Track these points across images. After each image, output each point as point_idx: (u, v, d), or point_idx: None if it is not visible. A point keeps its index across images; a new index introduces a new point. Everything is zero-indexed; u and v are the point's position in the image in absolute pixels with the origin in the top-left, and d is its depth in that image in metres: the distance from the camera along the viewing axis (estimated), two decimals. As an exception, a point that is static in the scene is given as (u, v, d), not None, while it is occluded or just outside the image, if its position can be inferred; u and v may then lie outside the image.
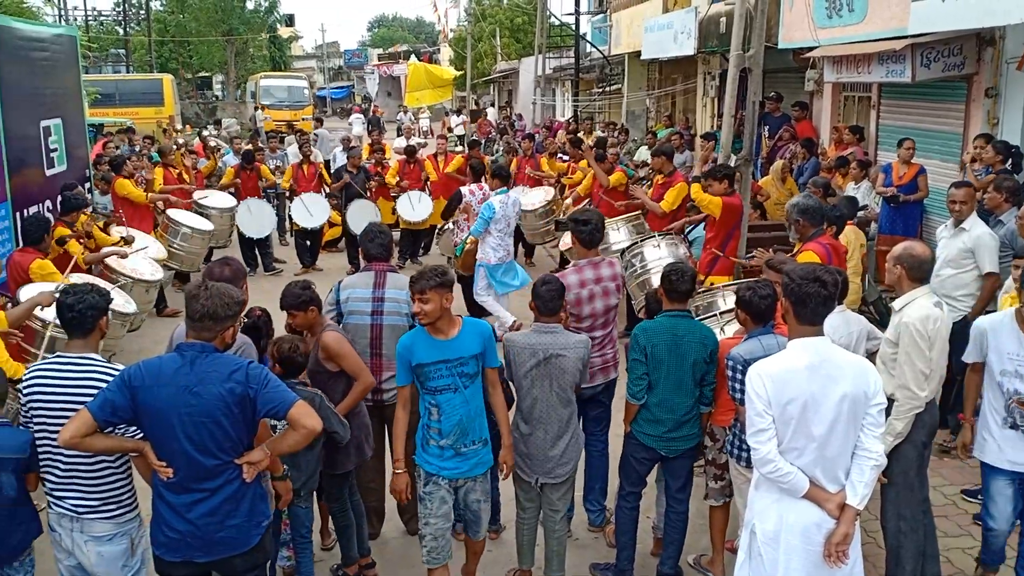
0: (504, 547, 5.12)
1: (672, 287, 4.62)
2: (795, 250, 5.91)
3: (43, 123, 8.76)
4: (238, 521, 3.45)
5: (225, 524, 3.42)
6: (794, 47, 11.48)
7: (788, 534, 3.41)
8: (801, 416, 3.32)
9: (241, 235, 11.80)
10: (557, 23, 28.25)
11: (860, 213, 8.98)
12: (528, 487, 4.60)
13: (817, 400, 3.30)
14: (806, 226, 5.72)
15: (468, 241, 8.68)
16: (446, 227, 11.10)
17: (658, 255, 7.41)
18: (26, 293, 5.81)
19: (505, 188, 8.80)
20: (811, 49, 10.80)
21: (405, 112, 30.75)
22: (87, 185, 10.09)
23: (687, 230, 8.51)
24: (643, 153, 14.54)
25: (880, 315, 8.58)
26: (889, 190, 8.85)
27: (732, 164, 7.84)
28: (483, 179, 9.22)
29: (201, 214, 10.83)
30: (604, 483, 5.37)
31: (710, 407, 4.65)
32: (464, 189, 9.42)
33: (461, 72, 35.59)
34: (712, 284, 6.91)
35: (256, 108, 34.52)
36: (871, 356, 4.60)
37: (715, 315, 5.61)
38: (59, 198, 8.30)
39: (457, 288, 6.06)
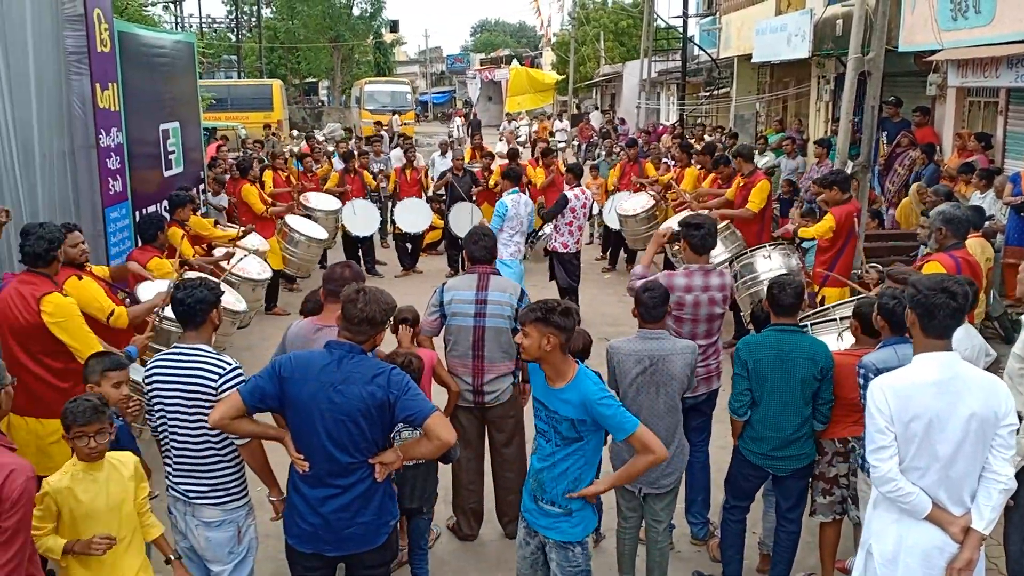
0: (604, 556, 5.00)
1: (775, 301, 4.47)
2: (919, 261, 5.62)
3: (162, 126, 9.10)
4: (368, 519, 3.51)
5: (355, 521, 3.49)
6: (916, 50, 11.02)
7: (908, 556, 3.26)
8: (926, 434, 3.16)
9: (345, 237, 12.03)
10: (664, 26, 27.93)
11: (986, 224, 8.52)
12: (631, 496, 4.50)
13: (943, 418, 3.14)
14: (947, 236, 5.43)
15: None
16: (542, 232, 11.07)
17: (769, 266, 7.17)
18: (143, 289, 6.03)
19: (516, 189, 8.93)
20: (934, 52, 10.34)
21: (509, 121, 30.90)
22: (201, 186, 10.44)
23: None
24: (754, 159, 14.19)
25: (1004, 330, 8.13)
26: (1018, 199, 8.36)
27: (849, 171, 7.53)
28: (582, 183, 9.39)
29: (307, 216, 11.09)
30: (707, 495, 5.24)
31: (825, 425, 4.45)
32: (569, 193, 9.38)
33: (563, 76, 35.62)
34: (825, 298, 6.65)
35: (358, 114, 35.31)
36: None
37: (834, 320, 5.35)
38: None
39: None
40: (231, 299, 7.03)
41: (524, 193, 9.24)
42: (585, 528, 3.76)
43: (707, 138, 16.58)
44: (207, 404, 3.65)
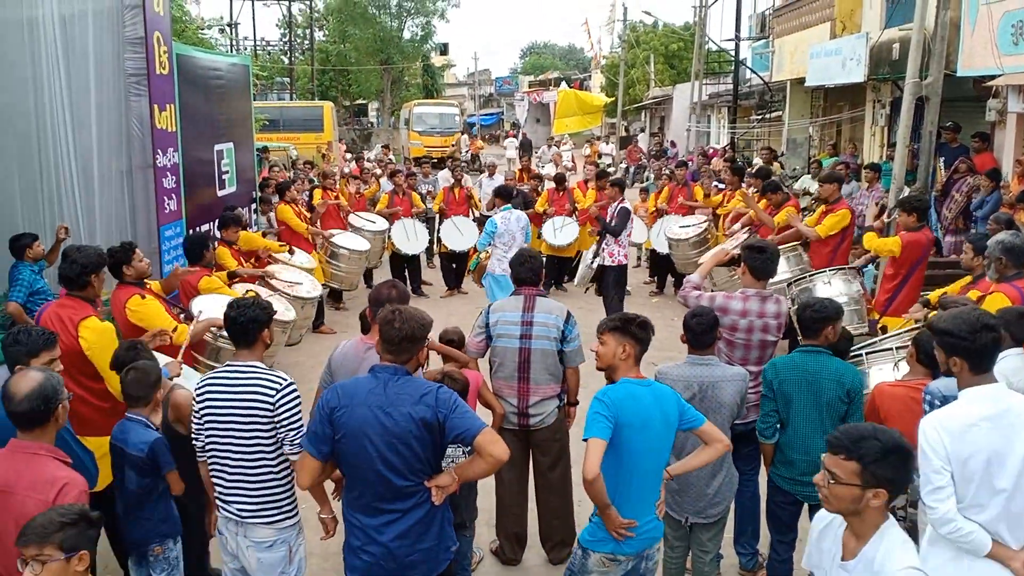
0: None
1: (806, 323, 4.43)
2: (981, 292, 5.46)
3: (217, 147, 9.28)
4: (429, 544, 3.48)
5: (417, 547, 3.45)
6: (975, 75, 10.80)
7: (967, 594, 3.16)
8: (985, 471, 3.09)
9: (392, 256, 12.11)
10: (715, 49, 27.83)
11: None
12: (677, 525, 4.42)
13: (1001, 453, 3.08)
14: (1008, 266, 5.28)
15: (482, 255, 9.42)
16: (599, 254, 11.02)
17: (829, 292, 6.98)
18: (197, 305, 6.13)
19: (509, 205, 9.41)
20: (994, 77, 10.12)
21: (549, 146, 30.93)
22: (253, 206, 10.62)
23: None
24: (806, 181, 13.99)
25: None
26: None
27: (909, 198, 7.36)
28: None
29: (357, 235, 11.20)
30: (756, 526, 5.12)
31: None
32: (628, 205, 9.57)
33: (612, 99, 35.62)
34: (886, 327, 6.50)
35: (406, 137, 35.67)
36: None
37: (890, 350, 5.20)
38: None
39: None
40: (280, 308, 7.11)
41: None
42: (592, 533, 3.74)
43: (756, 160, 16.37)
44: (264, 420, 3.68)
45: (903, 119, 7.84)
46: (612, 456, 3.53)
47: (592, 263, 9.63)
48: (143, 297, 5.27)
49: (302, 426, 3.73)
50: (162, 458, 3.94)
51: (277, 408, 3.67)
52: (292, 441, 3.71)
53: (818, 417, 4.32)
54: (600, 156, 27.82)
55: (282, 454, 3.74)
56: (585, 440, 3.50)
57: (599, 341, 3.71)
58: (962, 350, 3.20)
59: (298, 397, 3.76)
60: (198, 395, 3.82)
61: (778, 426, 4.48)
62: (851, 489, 2.63)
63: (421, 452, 3.37)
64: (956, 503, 3.13)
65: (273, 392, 3.69)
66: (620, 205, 9.50)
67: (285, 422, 3.70)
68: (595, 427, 3.50)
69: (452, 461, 4.02)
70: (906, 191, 7.67)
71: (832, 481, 2.67)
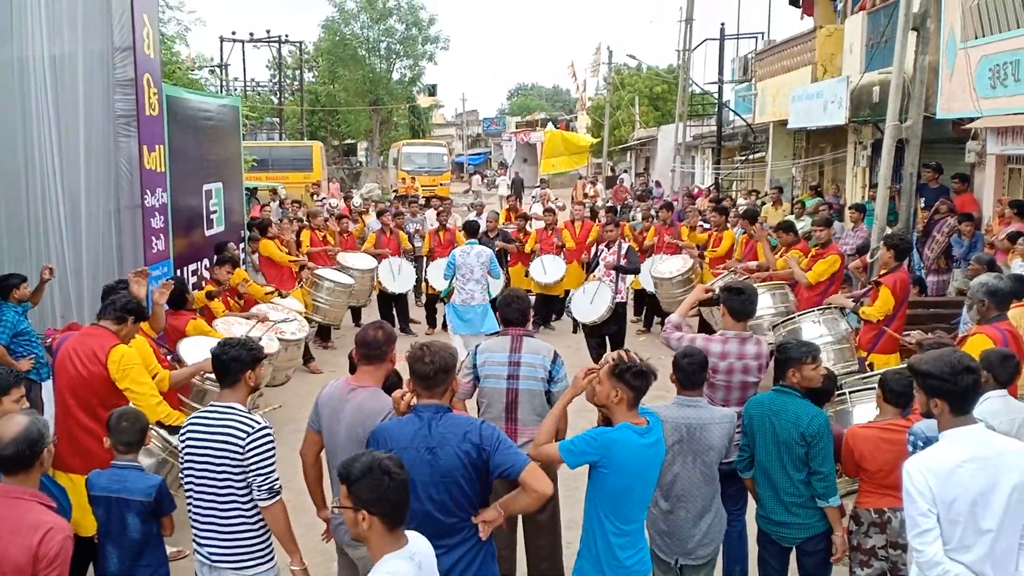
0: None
1: (776, 363, 4.54)
2: (964, 332, 5.52)
3: (205, 187, 9.30)
4: None
5: None
6: (954, 117, 10.98)
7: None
8: (970, 512, 3.11)
9: (380, 295, 12.11)
10: (698, 91, 28.23)
11: (1029, 293, 8.36)
12: (667, 567, 4.38)
13: (986, 494, 3.10)
14: (990, 308, 5.34)
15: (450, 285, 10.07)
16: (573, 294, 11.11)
17: (817, 331, 7.00)
18: (185, 347, 6.11)
19: (474, 240, 10.15)
20: (972, 120, 10.31)
21: (543, 188, 30.95)
22: (242, 245, 10.62)
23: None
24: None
25: (1051, 401, 7.91)
26: None
27: (894, 235, 7.45)
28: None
29: (343, 274, 11.22)
30: (744, 565, 5.08)
31: (828, 501, 4.31)
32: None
33: (598, 139, 35.97)
34: (873, 364, 6.54)
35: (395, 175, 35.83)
36: None
37: (873, 388, 5.22)
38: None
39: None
40: (264, 340, 7.08)
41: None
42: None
43: (741, 201, 16.51)
44: (233, 463, 3.64)
45: (884, 161, 7.97)
46: (597, 495, 3.61)
47: (612, 300, 9.76)
48: (134, 337, 5.27)
49: (273, 472, 3.70)
50: (167, 500, 3.92)
51: (247, 452, 3.63)
52: (260, 487, 3.67)
53: (777, 455, 4.35)
54: (587, 195, 27.95)
55: (253, 499, 3.70)
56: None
57: (598, 379, 3.75)
58: (944, 392, 3.22)
59: (271, 443, 3.71)
60: (182, 436, 3.81)
61: (750, 461, 4.54)
62: None
63: (469, 489, 3.41)
64: (943, 545, 3.13)
65: (244, 436, 3.65)
66: (626, 244, 9.86)
67: (254, 467, 3.65)
68: (570, 453, 3.63)
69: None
70: (888, 231, 7.75)
71: None
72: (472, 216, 15.22)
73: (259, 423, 3.73)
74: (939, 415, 3.29)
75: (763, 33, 25.87)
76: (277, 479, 3.75)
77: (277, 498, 3.73)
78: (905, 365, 5.05)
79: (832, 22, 17.19)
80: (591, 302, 9.96)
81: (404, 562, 2.77)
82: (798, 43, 17.52)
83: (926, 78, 8.05)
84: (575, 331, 12.27)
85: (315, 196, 20.88)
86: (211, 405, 3.84)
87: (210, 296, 7.66)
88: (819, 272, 8.24)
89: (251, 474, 3.65)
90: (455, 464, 3.37)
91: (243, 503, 3.71)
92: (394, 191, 28.52)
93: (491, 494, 3.60)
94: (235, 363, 3.79)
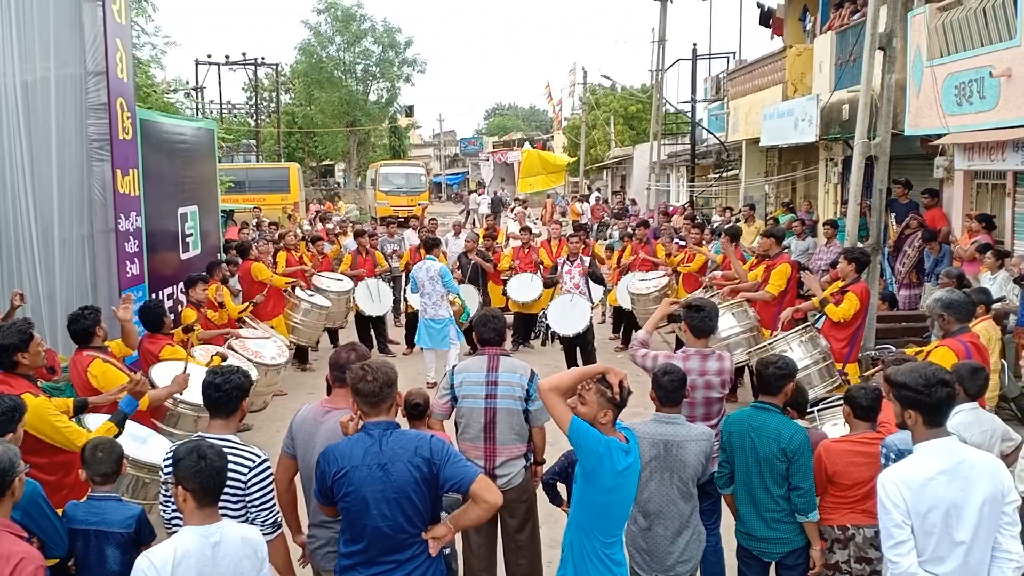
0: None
1: (761, 379, 4.55)
2: (930, 347, 5.60)
3: (181, 210, 9.28)
4: None
5: None
6: (922, 134, 11.17)
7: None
8: (944, 524, 3.15)
9: (358, 316, 12.08)
10: (672, 110, 28.50)
11: (997, 305, 8.49)
12: (646, 585, 4.39)
13: (959, 506, 3.15)
14: (950, 321, 5.43)
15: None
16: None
17: (799, 352, 6.99)
18: (158, 372, 6.06)
19: (432, 256, 10.49)
20: (940, 136, 10.49)
21: (525, 206, 30.92)
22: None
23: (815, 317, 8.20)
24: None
25: (1022, 411, 8.02)
26: (1019, 266, 8.39)
27: (853, 249, 7.60)
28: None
29: (320, 295, 11.20)
30: (721, 580, 5.10)
31: (807, 515, 4.35)
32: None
33: (574, 158, 36.19)
34: (848, 375, 6.65)
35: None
36: (1004, 457, 4.33)
37: (840, 405, 5.29)
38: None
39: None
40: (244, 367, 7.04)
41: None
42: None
43: (716, 218, 16.64)
44: (234, 498, 3.56)
45: (854, 178, 8.07)
46: (580, 511, 3.65)
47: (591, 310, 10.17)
48: (105, 362, 5.25)
49: (275, 505, 3.66)
50: (147, 530, 3.82)
51: (249, 487, 3.57)
52: (264, 521, 3.62)
53: (758, 471, 4.37)
54: (564, 214, 28.11)
55: None
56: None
57: (579, 398, 3.68)
58: (917, 403, 3.26)
59: (271, 475, 3.67)
60: (166, 464, 3.68)
61: (730, 477, 4.55)
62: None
63: (420, 504, 3.42)
64: (917, 556, 3.17)
65: (246, 470, 3.58)
66: (588, 259, 10.52)
67: (257, 502, 3.60)
68: (577, 426, 3.57)
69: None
70: (858, 246, 7.88)
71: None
72: (450, 236, 15.27)
73: (259, 455, 3.65)
74: (913, 426, 3.33)
75: (734, 53, 26.24)
76: (279, 511, 3.71)
77: (279, 531, 3.68)
78: (865, 376, 5.12)
79: (802, 42, 17.46)
80: (572, 313, 10.41)
81: (197, 537, 3.12)
82: (769, 62, 17.74)
83: (893, 96, 8.18)
84: (544, 343, 12.40)
85: (291, 218, 20.80)
86: (202, 436, 3.67)
87: (187, 331, 7.56)
88: (777, 284, 8.40)
89: (254, 508, 3.59)
90: (407, 479, 3.38)
91: None
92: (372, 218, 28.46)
93: (441, 509, 3.62)
94: (237, 391, 3.71)
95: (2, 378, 4.59)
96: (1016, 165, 9.27)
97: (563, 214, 27.35)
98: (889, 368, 4.80)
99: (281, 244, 12.14)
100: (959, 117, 9.92)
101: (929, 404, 3.24)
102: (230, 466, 3.53)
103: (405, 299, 12.61)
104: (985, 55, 9.51)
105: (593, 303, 10.45)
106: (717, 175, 24.73)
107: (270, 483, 3.65)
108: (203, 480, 3.14)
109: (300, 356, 11.27)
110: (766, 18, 20.31)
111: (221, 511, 3.53)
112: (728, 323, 8.24)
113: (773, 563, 4.53)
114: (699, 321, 5.06)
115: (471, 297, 11.67)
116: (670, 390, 4.36)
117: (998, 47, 9.31)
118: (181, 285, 8.90)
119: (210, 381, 3.72)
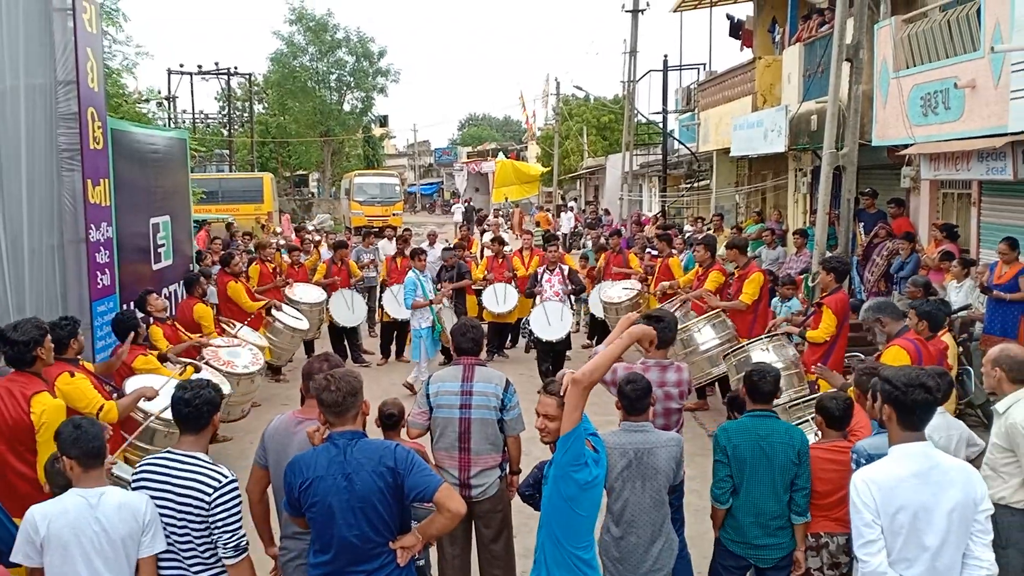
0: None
1: (754, 388, 4.57)
2: (882, 350, 5.72)
3: (152, 220, 9.20)
4: None
5: None
6: (888, 144, 11.33)
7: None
8: (912, 526, 3.19)
9: (331, 327, 12.04)
10: (644, 121, 28.70)
11: (963, 313, 8.66)
12: (617, 593, 4.41)
13: (928, 509, 3.18)
14: (889, 322, 5.56)
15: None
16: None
17: (766, 358, 7.12)
18: (131, 385, 6.01)
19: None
20: (906, 146, 10.65)
21: (506, 217, 30.90)
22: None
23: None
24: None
25: (988, 418, 8.16)
26: (984, 275, 8.57)
27: (832, 258, 7.71)
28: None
29: (292, 307, 11.14)
30: (690, 584, 5.13)
31: (804, 516, 4.44)
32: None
33: (548, 169, 36.31)
34: (820, 387, 6.73)
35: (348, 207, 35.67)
36: (970, 462, 4.40)
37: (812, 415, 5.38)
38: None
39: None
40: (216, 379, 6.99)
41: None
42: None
43: (687, 228, 16.74)
44: (197, 519, 3.47)
45: (822, 187, 8.22)
46: (552, 519, 3.66)
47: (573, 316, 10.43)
48: (72, 375, 5.18)
49: (240, 528, 3.55)
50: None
51: (212, 508, 3.46)
52: (227, 544, 3.51)
53: (770, 481, 4.40)
54: (538, 225, 28.23)
55: (216, 554, 3.54)
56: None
57: (544, 412, 3.73)
58: (893, 399, 3.29)
59: (238, 497, 3.55)
60: (134, 483, 3.61)
61: (733, 490, 4.52)
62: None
63: (386, 513, 3.42)
64: (887, 557, 3.21)
65: (211, 490, 3.47)
66: (567, 267, 10.90)
67: (220, 524, 3.48)
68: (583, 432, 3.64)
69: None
70: (827, 255, 8.01)
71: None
72: (425, 245, 15.26)
73: (226, 475, 3.54)
74: (889, 423, 3.35)
75: (705, 64, 26.34)
76: (244, 535, 3.58)
77: (244, 555, 3.56)
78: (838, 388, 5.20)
79: (771, 53, 17.65)
80: (554, 321, 10.78)
81: (77, 498, 3.41)
82: (739, 74, 17.91)
83: (860, 107, 8.35)
84: (528, 350, 12.43)
85: (264, 228, 20.66)
86: (171, 453, 3.60)
87: (162, 359, 7.43)
88: (751, 292, 8.52)
89: (217, 531, 3.48)
90: (372, 488, 3.38)
91: (204, 558, 3.55)
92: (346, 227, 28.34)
93: (411, 519, 3.62)
94: (208, 406, 3.60)
95: (12, 377, 4.65)
96: (981, 175, 9.43)
97: (537, 224, 27.46)
98: (857, 375, 4.89)
99: (256, 255, 12.06)
100: (925, 127, 10.08)
101: (904, 403, 3.26)
102: (194, 485, 3.48)
103: (381, 307, 12.59)
104: (950, 66, 9.67)
105: (574, 309, 10.62)
106: (688, 185, 24.93)
107: (236, 505, 3.52)
108: (83, 446, 3.43)
109: (273, 367, 11.20)
110: (736, 30, 20.52)
111: (183, 532, 3.50)
112: (708, 335, 8.35)
113: (753, 567, 4.57)
114: (659, 331, 5.09)
115: (446, 313, 11.67)
116: (634, 399, 4.35)
117: (963, 59, 9.47)
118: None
119: (179, 396, 3.60)
